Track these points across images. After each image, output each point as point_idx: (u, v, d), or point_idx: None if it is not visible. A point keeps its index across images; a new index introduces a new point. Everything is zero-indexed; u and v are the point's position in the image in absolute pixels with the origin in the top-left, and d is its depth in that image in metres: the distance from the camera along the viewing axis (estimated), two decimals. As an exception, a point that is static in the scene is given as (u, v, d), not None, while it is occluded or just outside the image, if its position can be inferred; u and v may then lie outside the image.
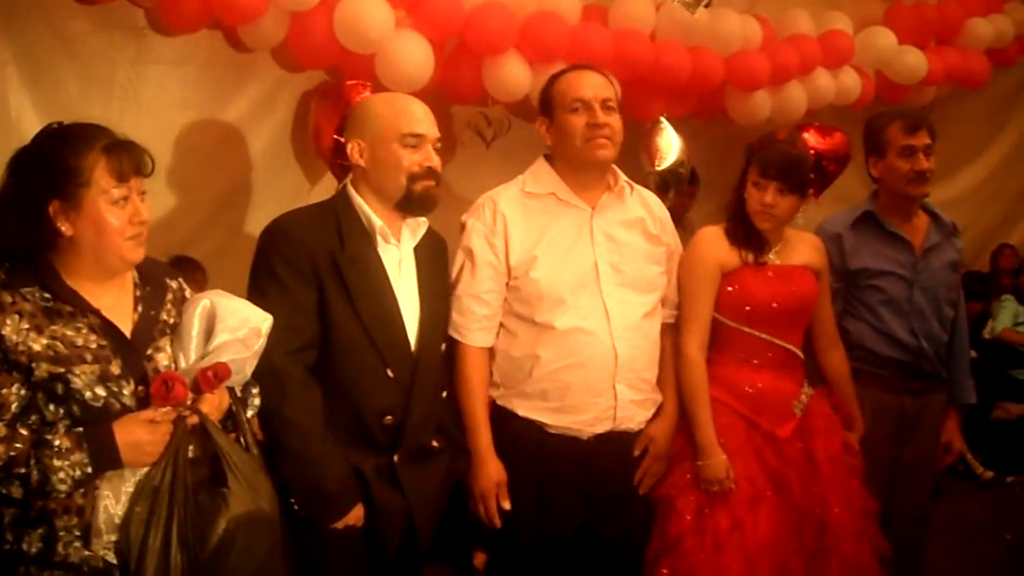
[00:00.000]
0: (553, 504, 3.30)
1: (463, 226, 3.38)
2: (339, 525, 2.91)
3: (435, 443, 3.15)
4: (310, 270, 2.93)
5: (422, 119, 3.06)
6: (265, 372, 2.74)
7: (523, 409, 3.33)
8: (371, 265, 3.01)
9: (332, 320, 2.95)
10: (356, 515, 2.94)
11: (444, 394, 3.22)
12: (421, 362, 3.05)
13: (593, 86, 3.34)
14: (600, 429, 3.32)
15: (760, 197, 3.55)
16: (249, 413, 2.74)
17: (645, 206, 3.49)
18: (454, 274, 3.34)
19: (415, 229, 3.11)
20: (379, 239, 3.03)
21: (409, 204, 3.04)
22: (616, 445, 3.37)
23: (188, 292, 2.71)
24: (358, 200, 3.05)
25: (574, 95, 3.30)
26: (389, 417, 2.98)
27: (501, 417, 3.35)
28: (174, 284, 2.69)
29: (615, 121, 3.32)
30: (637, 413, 3.40)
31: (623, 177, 3.45)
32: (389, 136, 3.02)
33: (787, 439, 3.55)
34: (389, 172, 3.02)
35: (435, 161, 3.05)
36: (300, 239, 2.96)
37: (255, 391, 2.76)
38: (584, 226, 3.34)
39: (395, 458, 3.01)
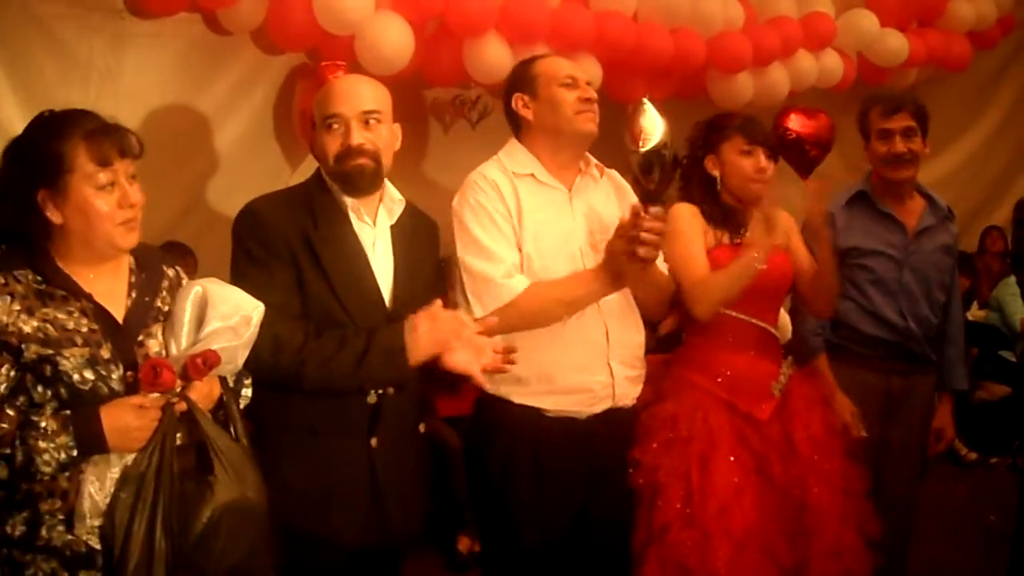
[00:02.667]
0: (554, 491, 3.24)
1: (462, 203, 3.27)
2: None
3: (421, 427, 3.12)
4: (285, 249, 2.90)
5: (340, 97, 2.99)
6: (269, 340, 2.69)
7: (518, 396, 3.25)
8: (345, 242, 2.98)
9: (309, 299, 2.91)
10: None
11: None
12: None
13: (578, 68, 3.39)
14: (599, 408, 3.28)
15: (754, 163, 3.55)
16: (241, 404, 2.70)
17: (616, 186, 3.48)
18: (468, 241, 3.23)
19: (391, 208, 3.08)
20: (353, 217, 3.00)
21: (345, 184, 2.98)
22: (613, 423, 3.32)
23: (184, 280, 2.67)
24: (330, 181, 3.02)
25: (565, 72, 3.32)
26: (372, 396, 2.94)
27: (494, 407, 3.28)
28: (171, 272, 2.65)
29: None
30: (632, 389, 3.37)
31: (593, 160, 3.43)
32: (318, 122, 3.02)
33: (767, 421, 3.52)
34: (323, 157, 3.00)
35: (357, 138, 2.95)
36: (272, 220, 2.93)
37: (247, 381, 2.73)
38: (564, 206, 3.31)
39: (372, 442, 2.96)
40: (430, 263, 3.24)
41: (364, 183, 2.98)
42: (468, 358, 2.90)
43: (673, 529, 3.36)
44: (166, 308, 2.55)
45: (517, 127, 3.39)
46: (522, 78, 3.38)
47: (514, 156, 3.36)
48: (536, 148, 3.34)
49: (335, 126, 2.96)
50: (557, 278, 3.20)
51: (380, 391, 2.96)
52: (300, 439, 2.94)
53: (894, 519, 3.85)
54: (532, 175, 3.31)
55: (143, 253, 2.56)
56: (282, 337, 2.81)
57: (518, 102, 3.35)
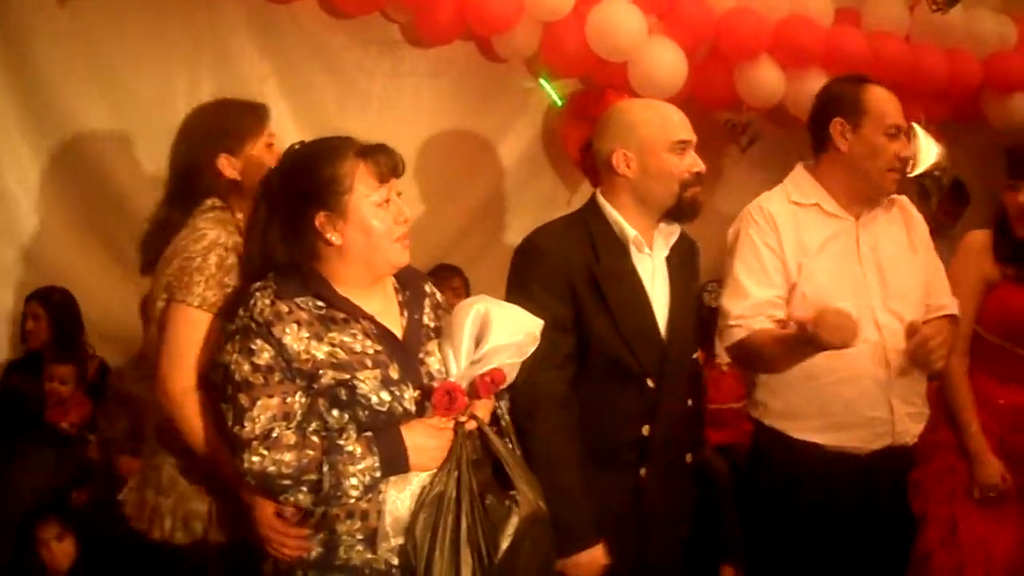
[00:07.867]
0: (831, 526, 3.18)
1: (734, 235, 3.27)
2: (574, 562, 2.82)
3: (688, 458, 3.08)
4: (566, 286, 2.89)
5: (686, 124, 2.99)
6: (524, 388, 2.69)
7: (797, 431, 3.21)
8: (627, 276, 2.95)
9: (591, 334, 2.89)
10: (595, 555, 2.84)
11: (689, 402, 3.11)
12: (669, 373, 2.97)
13: (902, 113, 3.22)
14: (878, 445, 3.19)
15: (1015, 198, 3.44)
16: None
17: (907, 216, 3.36)
18: (727, 274, 3.24)
19: (668, 237, 3.03)
20: (633, 249, 2.97)
21: (680, 211, 2.96)
22: (893, 460, 3.24)
23: (440, 297, 2.72)
24: (610, 210, 2.99)
25: (892, 120, 3.17)
26: (647, 427, 2.92)
27: (773, 441, 3.26)
28: (428, 289, 2.69)
29: None
30: (913, 427, 3.26)
31: None
32: (659, 145, 2.93)
33: None
34: (661, 181, 2.93)
35: (701, 166, 2.97)
36: (555, 256, 2.92)
37: (506, 394, 2.70)
38: (850, 238, 3.22)
39: (641, 472, 2.94)
40: (694, 289, 3.25)
41: (699, 210, 2.98)
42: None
43: (936, 556, 3.38)
44: (433, 325, 2.58)
45: (822, 148, 3.25)
46: (848, 103, 3.22)
47: (799, 185, 3.28)
48: (833, 175, 3.24)
49: (684, 151, 2.94)
50: (774, 332, 3.09)
51: (651, 424, 2.93)
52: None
53: None
54: (817, 205, 3.23)
55: (402, 272, 2.58)
56: (539, 392, 2.80)
57: (836, 127, 3.19)
